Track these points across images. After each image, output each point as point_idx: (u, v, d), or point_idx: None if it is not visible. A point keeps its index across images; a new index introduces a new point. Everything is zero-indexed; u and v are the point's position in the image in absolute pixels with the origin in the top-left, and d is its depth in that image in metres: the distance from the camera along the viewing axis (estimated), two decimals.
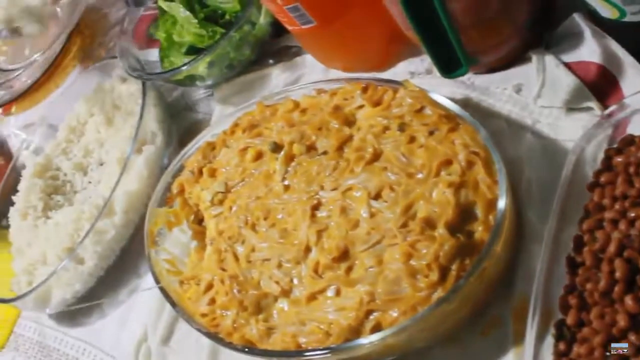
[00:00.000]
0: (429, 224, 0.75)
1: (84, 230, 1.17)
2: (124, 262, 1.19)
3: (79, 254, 1.13)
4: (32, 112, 1.72)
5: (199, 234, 1.00)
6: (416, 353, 0.80)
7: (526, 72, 0.92)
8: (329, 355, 0.74)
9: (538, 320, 0.69)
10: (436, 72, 0.95)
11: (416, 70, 1.03)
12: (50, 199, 1.32)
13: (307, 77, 1.15)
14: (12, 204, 1.36)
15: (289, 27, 1.02)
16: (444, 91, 0.91)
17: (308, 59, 1.17)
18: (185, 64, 1.14)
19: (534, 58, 0.90)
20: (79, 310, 1.17)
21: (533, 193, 0.83)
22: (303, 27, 0.99)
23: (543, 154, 0.85)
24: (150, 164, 1.18)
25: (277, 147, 0.92)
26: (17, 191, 1.37)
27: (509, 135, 0.89)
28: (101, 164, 1.30)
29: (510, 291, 0.78)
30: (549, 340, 0.68)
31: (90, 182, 1.31)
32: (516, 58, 0.93)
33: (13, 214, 1.34)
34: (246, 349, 0.81)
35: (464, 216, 0.75)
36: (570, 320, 0.67)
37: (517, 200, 0.82)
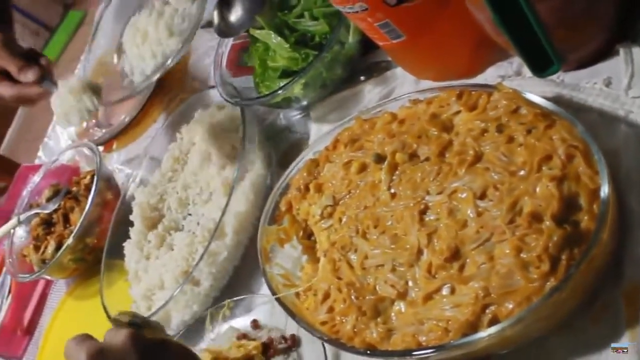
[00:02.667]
0: (536, 217, 0.78)
1: (197, 253, 1.23)
2: (237, 281, 1.24)
3: (194, 276, 1.19)
4: (132, 147, 1.79)
5: (309, 248, 1.05)
6: (532, 344, 0.82)
7: (615, 66, 0.94)
8: (450, 351, 0.77)
9: None
10: (525, 74, 0.99)
11: (505, 74, 1.05)
12: (161, 226, 1.38)
13: (398, 90, 1.18)
14: (125, 235, 1.42)
15: (380, 43, 1.06)
16: (535, 91, 0.93)
17: (398, 72, 1.20)
18: (282, 87, 1.19)
19: (622, 51, 0.92)
20: (196, 329, 1.22)
21: (632, 181, 0.85)
22: (394, 41, 1.03)
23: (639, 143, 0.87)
24: (255, 186, 1.23)
25: (380, 158, 0.96)
26: (129, 222, 1.44)
27: (603, 128, 0.90)
28: (207, 190, 1.36)
29: (619, 276, 0.80)
30: None
31: (197, 208, 1.37)
32: (604, 53, 0.95)
33: (128, 244, 1.40)
34: (368, 352, 0.85)
35: (568, 207, 0.78)
36: None
37: (618, 188, 0.84)
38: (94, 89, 1.36)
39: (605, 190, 0.76)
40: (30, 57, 1.42)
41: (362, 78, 1.26)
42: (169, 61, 1.27)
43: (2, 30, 1.46)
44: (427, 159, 0.92)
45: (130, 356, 0.79)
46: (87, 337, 0.81)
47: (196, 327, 1.20)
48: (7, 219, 1.82)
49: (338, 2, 1.00)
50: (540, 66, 0.87)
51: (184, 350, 0.88)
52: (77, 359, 0.78)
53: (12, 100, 1.46)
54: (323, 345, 0.99)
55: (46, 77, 1.40)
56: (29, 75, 1.38)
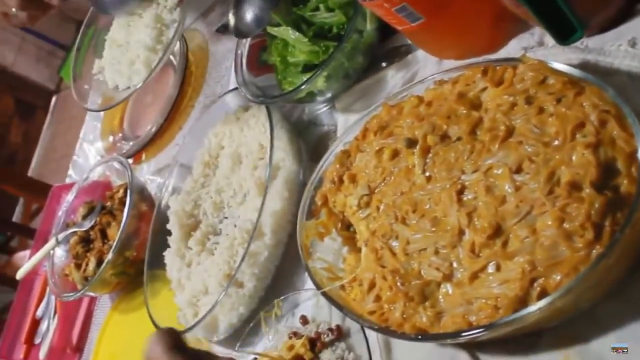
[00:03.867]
0: (575, 186, 0.77)
1: (238, 255, 1.23)
2: (281, 279, 1.24)
3: (237, 278, 1.19)
4: (161, 156, 1.80)
5: (349, 239, 1.05)
6: (582, 313, 0.82)
7: (638, 26, 0.93)
8: (501, 328, 0.77)
9: None
10: (548, 43, 0.98)
11: (528, 45, 1.05)
12: (199, 232, 1.38)
13: (421, 73, 1.18)
14: (164, 245, 1.43)
15: (399, 27, 1.06)
16: (560, 59, 0.93)
17: (419, 54, 1.20)
18: (305, 82, 1.19)
19: None
20: (244, 331, 1.23)
21: None
22: (412, 24, 1.03)
23: None
24: (289, 183, 1.23)
25: (411, 143, 0.96)
26: (167, 231, 1.44)
27: (633, 89, 0.89)
28: (240, 191, 1.36)
29: None
30: None
31: (232, 210, 1.37)
32: (625, 13, 0.94)
33: (168, 253, 1.41)
34: (420, 337, 0.85)
35: (606, 173, 0.77)
36: None
37: None
38: None
39: None
40: None
41: (383, 64, 1.25)
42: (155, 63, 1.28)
43: None
44: (458, 139, 0.92)
45: None
46: None
47: (253, 331, 1.21)
48: (45, 240, 1.84)
49: None
50: (563, 34, 0.87)
51: None
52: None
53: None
54: (365, 335, 1.00)
55: None
56: None
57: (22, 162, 5.32)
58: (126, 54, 1.76)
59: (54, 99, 5.48)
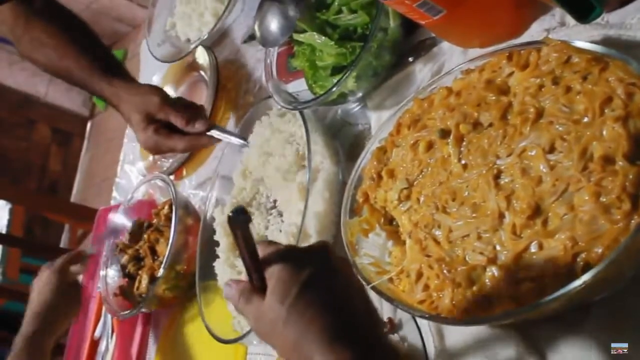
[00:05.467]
0: (608, 160, 0.79)
1: None
2: None
3: None
4: (201, 170, 1.83)
5: (393, 233, 1.07)
6: (627, 283, 0.83)
7: None
8: (548, 304, 0.78)
9: None
10: (569, 23, 0.99)
11: (550, 26, 1.06)
12: None
13: (448, 64, 1.20)
14: (213, 256, 1.47)
15: (422, 22, 1.08)
16: (582, 37, 0.94)
17: (444, 46, 1.21)
18: (335, 84, 1.21)
19: None
20: None
21: None
22: (435, 18, 1.05)
23: None
24: (329, 184, 1.26)
25: (445, 133, 0.99)
26: (215, 242, 1.48)
27: None
28: (283, 197, 1.38)
29: None
30: None
31: (276, 216, 1.40)
32: None
33: (218, 263, 1.45)
34: (470, 321, 0.87)
35: (638, 144, 0.79)
36: None
37: None
38: None
39: None
40: (189, 107, 1.53)
41: (410, 59, 1.27)
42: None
43: (146, 84, 1.59)
44: (490, 125, 0.94)
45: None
46: None
47: None
48: (96, 263, 1.88)
49: None
50: (583, 13, 0.88)
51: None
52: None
53: (184, 150, 1.64)
54: (417, 325, 1.03)
55: (212, 125, 1.51)
56: (198, 126, 1.50)
57: (64, 189, 5.40)
58: (196, 9, 1.89)
59: (89, 124, 5.57)
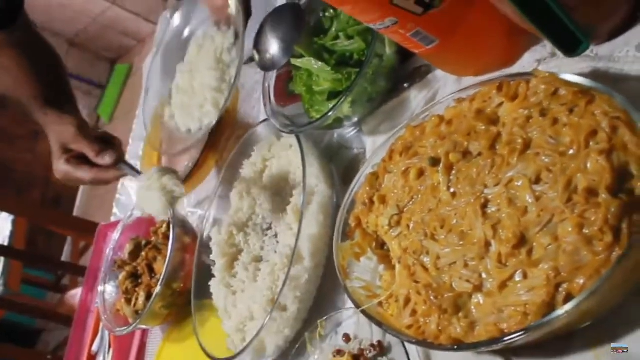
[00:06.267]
0: (591, 192, 0.80)
1: (280, 280, 1.28)
2: (323, 299, 1.28)
3: (281, 302, 1.23)
4: (199, 189, 1.85)
5: (384, 257, 1.08)
6: (610, 313, 0.84)
7: None
8: (532, 333, 0.80)
9: None
10: (560, 54, 1.01)
11: (541, 57, 1.07)
12: (241, 260, 1.44)
13: (442, 91, 1.21)
14: (209, 275, 1.49)
15: (416, 51, 1.10)
16: (572, 69, 0.96)
17: (439, 74, 1.23)
18: (331, 109, 1.23)
19: None
20: (290, 352, 1.27)
21: None
22: (428, 47, 1.06)
23: None
24: (323, 207, 1.27)
25: (435, 161, 1.00)
26: (210, 262, 1.50)
27: None
28: (278, 219, 1.40)
29: None
30: None
31: (271, 237, 1.43)
32: (632, 19, 0.97)
33: (213, 283, 1.46)
34: (456, 347, 0.89)
35: (621, 177, 0.80)
36: None
37: None
38: (172, 173, 1.46)
39: None
40: (103, 140, 1.55)
41: (405, 85, 1.29)
42: (222, 102, 1.33)
43: (73, 115, 1.58)
44: (479, 154, 0.96)
45: None
46: None
47: (299, 352, 1.25)
48: (95, 277, 1.90)
49: (369, 20, 1.04)
50: (571, 47, 0.90)
51: None
52: None
53: (90, 182, 1.60)
54: (406, 349, 1.04)
55: (121, 159, 1.52)
56: (107, 159, 1.51)
57: (68, 201, 5.42)
58: (194, 98, 1.81)
59: None
